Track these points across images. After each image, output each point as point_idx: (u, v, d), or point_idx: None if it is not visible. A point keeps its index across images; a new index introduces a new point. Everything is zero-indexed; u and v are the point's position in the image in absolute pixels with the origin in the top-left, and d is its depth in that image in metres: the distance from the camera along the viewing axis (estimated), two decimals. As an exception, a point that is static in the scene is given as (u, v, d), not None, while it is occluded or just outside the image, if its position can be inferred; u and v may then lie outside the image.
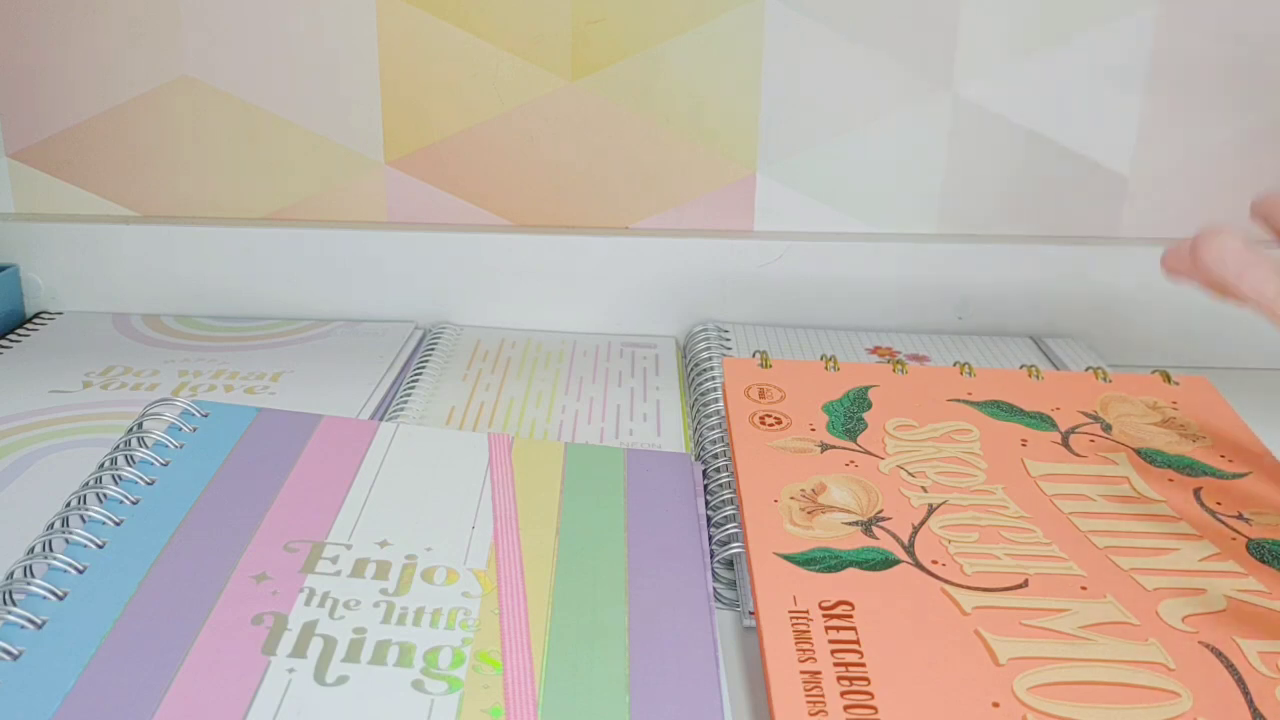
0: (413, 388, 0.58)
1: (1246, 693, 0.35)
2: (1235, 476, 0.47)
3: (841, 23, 0.65)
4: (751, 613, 0.39)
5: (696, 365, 0.61)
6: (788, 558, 0.40)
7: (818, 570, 0.39)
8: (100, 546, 0.39)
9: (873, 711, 0.33)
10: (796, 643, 0.36)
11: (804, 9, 0.64)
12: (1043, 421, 0.50)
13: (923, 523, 0.43)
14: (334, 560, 0.40)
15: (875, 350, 0.64)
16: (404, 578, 0.39)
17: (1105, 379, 0.54)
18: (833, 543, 0.41)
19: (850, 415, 0.50)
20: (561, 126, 0.67)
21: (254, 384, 0.58)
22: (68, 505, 0.41)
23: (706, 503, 0.46)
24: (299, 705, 0.33)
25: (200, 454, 0.45)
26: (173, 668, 0.34)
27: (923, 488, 0.45)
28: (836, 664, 0.35)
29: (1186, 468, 0.47)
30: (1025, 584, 0.39)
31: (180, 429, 0.47)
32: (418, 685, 0.34)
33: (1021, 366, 0.55)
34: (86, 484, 0.43)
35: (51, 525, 0.40)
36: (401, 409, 0.56)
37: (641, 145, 0.67)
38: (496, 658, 0.36)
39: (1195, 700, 0.34)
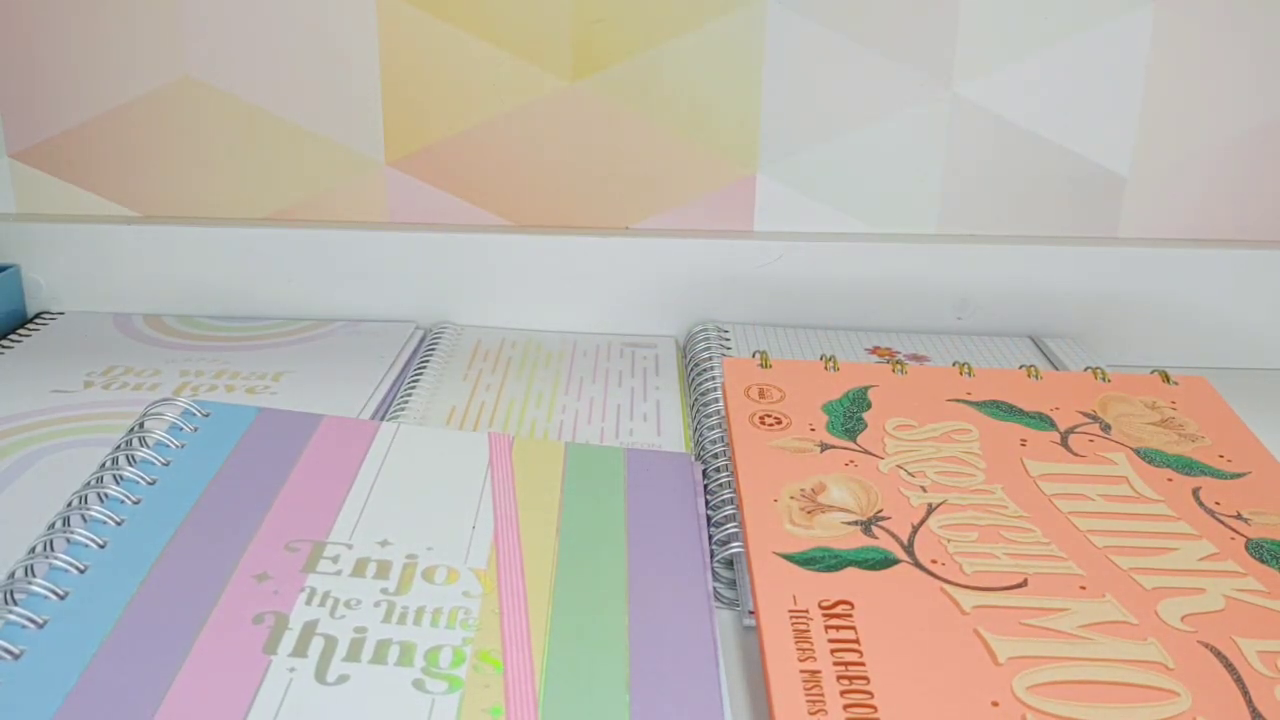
0: (413, 388, 0.58)
1: (1245, 692, 0.35)
2: (1234, 476, 0.47)
3: (841, 23, 0.65)
4: (751, 612, 0.39)
5: (696, 365, 0.61)
6: (787, 557, 0.40)
7: (817, 570, 0.40)
8: (101, 546, 0.39)
9: (872, 710, 0.33)
10: (796, 642, 0.36)
11: (804, 9, 0.65)
12: (1042, 421, 0.50)
13: (922, 522, 0.43)
14: (335, 560, 0.40)
15: (875, 350, 0.64)
16: (405, 577, 0.39)
17: (1104, 379, 0.54)
18: (832, 542, 0.41)
19: (850, 415, 0.50)
20: (561, 126, 0.67)
21: (255, 384, 0.58)
22: (69, 505, 0.41)
23: (707, 502, 0.47)
24: (300, 704, 0.33)
25: (201, 454, 0.45)
26: (174, 667, 0.34)
27: (922, 487, 0.45)
28: (836, 663, 0.35)
29: (1185, 467, 0.47)
30: (1024, 583, 0.39)
31: (181, 429, 0.47)
32: (418, 684, 0.34)
33: (1021, 366, 0.55)
34: (88, 483, 0.43)
35: (53, 525, 0.40)
36: (402, 409, 0.56)
37: (641, 145, 0.67)
38: (497, 657, 0.36)
39: (1194, 699, 0.34)
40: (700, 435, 0.53)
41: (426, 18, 0.65)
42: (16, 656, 0.34)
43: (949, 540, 0.42)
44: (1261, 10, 0.64)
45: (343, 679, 0.34)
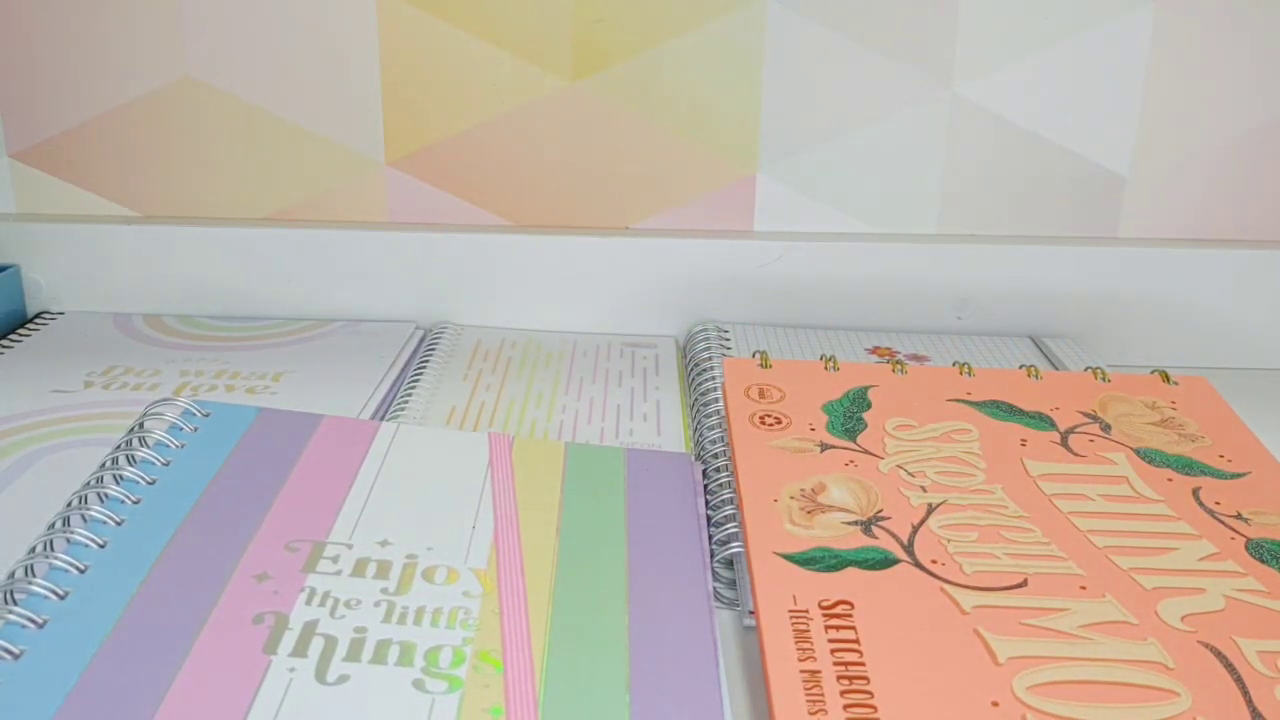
0: (413, 388, 0.58)
1: (1245, 692, 0.35)
2: (1234, 476, 0.47)
3: (841, 23, 0.65)
4: (751, 612, 0.39)
5: (696, 365, 0.61)
6: (787, 557, 0.40)
7: (817, 570, 0.40)
8: (101, 546, 0.39)
9: (872, 710, 0.33)
10: (796, 642, 0.36)
11: (804, 9, 0.65)
12: (1042, 421, 0.50)
13: (922, 522, 0.43)
14: (335, 560, 0.40)
15: (875, 350, 0.64)
16: (405, 577, 0.39)
17: (1104, 379, 0.54)
18: (832, 542, 0.41)
19: (850, 415, 0.50)
20: (561, 126, 0.67)
21: (255, 384, 0.58)
22: (69, 505, 0.41)
23: (707, 502, 0.47)
24: (300, 704, 0.33)
25: (201, 454, 0.45)
26: (174, 667, 0.34)
27: (922, 487, 0.45)
28: (836, 663, 0.35)
29: (1185, 467, 0.47)
30: (1024, 583, 0.39)
31: (181, 429, 0.47)
32: (418, 684, 0.34)
33: (1021, 366, 0.55)
34: (88, 483, 0.43)
35: (53, 525, 0.40)
36: (402, 409, 0.56)
37: (641, 145, 0.67)
38: (497, 657, 0.36)
39: (1194, 699, 0.34)
40: (700, 435, 0.53)
41: (426, 18, 0.65)
42: (16, 656, 0.34)
43: (949, 540, 0.42)
44: (1261, 10, 0.64)
45: (343, 679, 0.34)
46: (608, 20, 0.65)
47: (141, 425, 0.47)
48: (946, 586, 0.39)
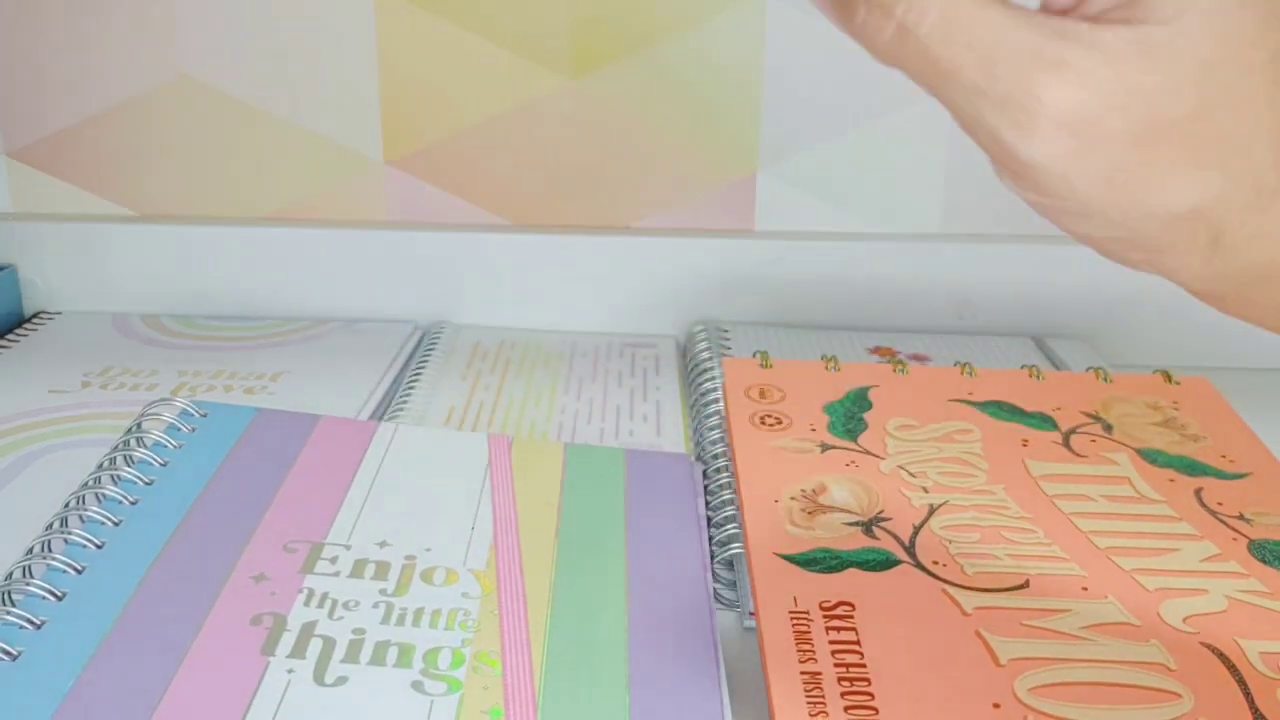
0: (412, 388, 0.58)
1: (1248, 693, 0.34)
2: (1236, 477, 0.47)
3: (842, 22, 0.64)
4: (752, 613, 0.39)
5: (696, 365, 0.61)
6: (788, 558, 0.40)
7: (818, 571, 0.39)
8: (99, 547, 0.39)
9: (873, 712, 0.33)
10: (797, 643, 0.36)
11: (804, 8, 0.64)
12: (1044, 422, 0.50)
13: (923, 523, 0.43)
14: (333, 561, 0.40)
15: (876, 350, 0.64)
16: (403, 578, 0.39)
17: (1106, 379, 0.54)
18: (833, 543, 0.41)
19: (851, 415, 0.50)
20: (561, 126, 0.67)
21: (253, 384, 0.58)
22: (66, 505, 0.41)
23: (707, 503, 0.46)
24: (298, 706, 0.33)
25: (199, 454, 0.45)
26: (172, 668, 0.34)
27: (923, 488, 0.45)
28: (837, 664, 0.35)
29: (1187, 468, 0.47)
30: (1026, 584, 0.39)
31: (179, 429, 0.47)
32: (417, 686, 0.34)
33: (1022, 367, 0.55)
34: (85, 484, 0.43)
35: (50, 525, 0.40)
36: (401, 409, 0.56)
37: (641, 145, 0.67)
38: (496, 658, 0.36)
39: (1196, 701, 0.34)
40: (700, 435, 0.53)
41: (426, 17, 0.65)
42: (14, 657, 0.34)
43: (950, 541, 0.41)
44: (1263, 9, 0.64)
45: (341, 680, 0.34)
46: (607, 19, 0.65)
47: (139, 425, 0.46)
48: (948, 587, 0.39)
